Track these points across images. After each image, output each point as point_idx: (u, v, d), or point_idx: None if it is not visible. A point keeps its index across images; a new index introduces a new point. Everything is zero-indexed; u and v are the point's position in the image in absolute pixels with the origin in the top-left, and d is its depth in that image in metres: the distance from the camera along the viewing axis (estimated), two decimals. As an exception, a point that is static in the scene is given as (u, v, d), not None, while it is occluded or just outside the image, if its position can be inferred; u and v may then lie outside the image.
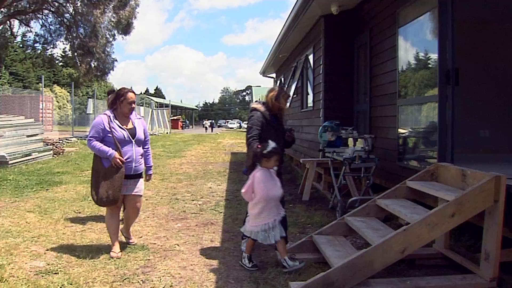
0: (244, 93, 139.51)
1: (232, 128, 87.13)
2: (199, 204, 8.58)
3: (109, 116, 5.45)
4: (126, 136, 5.46)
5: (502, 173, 4.23)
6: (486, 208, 4.20)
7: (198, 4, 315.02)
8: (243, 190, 5.03)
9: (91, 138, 5.40)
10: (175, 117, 67.20)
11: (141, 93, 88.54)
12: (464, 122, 8.11)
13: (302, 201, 8.86)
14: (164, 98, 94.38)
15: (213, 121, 79.64)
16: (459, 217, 4.14)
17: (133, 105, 5.59)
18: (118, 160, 5.35)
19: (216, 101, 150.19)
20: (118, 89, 5.61)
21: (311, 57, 11.72)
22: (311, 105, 11.61)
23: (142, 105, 43.93)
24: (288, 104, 6.17)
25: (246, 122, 6.74)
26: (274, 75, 22.24)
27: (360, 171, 7.16)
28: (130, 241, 5.90)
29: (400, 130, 7.19)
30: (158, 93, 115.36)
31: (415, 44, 6.83)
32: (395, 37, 7.30)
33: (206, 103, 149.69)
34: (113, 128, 5.40)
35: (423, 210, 4.78)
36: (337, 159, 7.58)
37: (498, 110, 8.28)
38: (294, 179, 12.11)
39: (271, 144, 4.99)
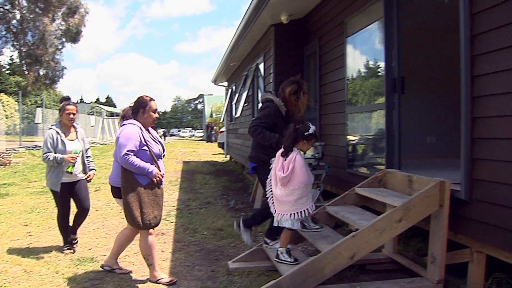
0: (197, 102, 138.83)
1: (184, 137, 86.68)
2: (150, 214, 8.42)
3: (140, 127, 4.72)
4: (160, 151, 4.87)
5: (447, 178, 4.32)
6: (432, 212, 4.29)
7: (150, 12, 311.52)
8: (284, 174, 4.53)
9: (129, 153, 4.51)
10: (126, 126, 66.00)
11: (91, 102, 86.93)
12: (412, 128, 8.31)
13: (254, 209, 8.85)
14: (115, 107, 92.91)
15: (165, 130, 78.87)
16: (406, 222, 4.20)
17: (157, 115, 5.02)
18: (160, 176, 4.72)
19: (168, 109, 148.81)
20: (139, 96, 4.94)
21: (261, 66, 11.75)
22: (262, 113, 11.61)
23: (92, 114, 43.15)
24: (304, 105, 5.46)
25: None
26: (225, 83, 22.24)
27: (310, 178, 7.18)
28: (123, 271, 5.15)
29: (350, 138, 7.27)
30: (109, 102, 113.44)
31: (363, 53, 6.94)
32: (344, 46, 7.40)
33: (158, 112, 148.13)
34: (147, 141, 4.69)
35: (371, 216, 4.84)
36: (288, 167, 7.58)
37: (444, 116, 8.52)
38: (246, 187, 12.11)
39: (312, 127, 4.70)
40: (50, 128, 5.97)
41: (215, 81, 21.97)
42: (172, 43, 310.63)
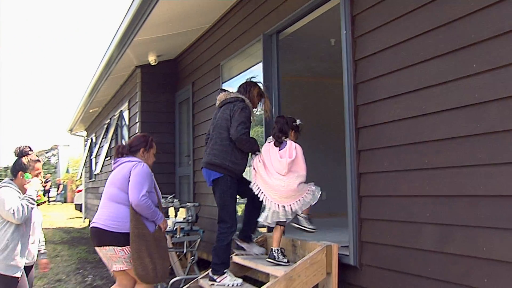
0: (49, 154, 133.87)
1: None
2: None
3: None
4: (160, 196, 4.82)
5: (336, 240, 4.46)
6: (319, 281, 4.35)
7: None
8: (291, 158, 4.68)
9: (146, 194, 4.47)
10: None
11: None
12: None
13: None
14: None
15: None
16: (290, 295, 4.22)
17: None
18: (166, 224, 4.73)
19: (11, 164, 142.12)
20: (137, 134, 4.76)
21: (126, 114, 11.61)
22: (127, 169, 11.42)
23: None
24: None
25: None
26: (84, 133, 21.71)
27: (183, 245, 7.10)
28: None
29: (228, 197, 7.30)
30: None
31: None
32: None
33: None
34: (155, 184, 4.72)
35: (251, 288, 4.83)
36: (157, 233, 7.45)
37: (335, 171, 8.83)
38: (108, 257, 11.68)
39: (298, 120, 4.96)
40: (9, 187, 4.61)
41: (72, 130, 21.37)
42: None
